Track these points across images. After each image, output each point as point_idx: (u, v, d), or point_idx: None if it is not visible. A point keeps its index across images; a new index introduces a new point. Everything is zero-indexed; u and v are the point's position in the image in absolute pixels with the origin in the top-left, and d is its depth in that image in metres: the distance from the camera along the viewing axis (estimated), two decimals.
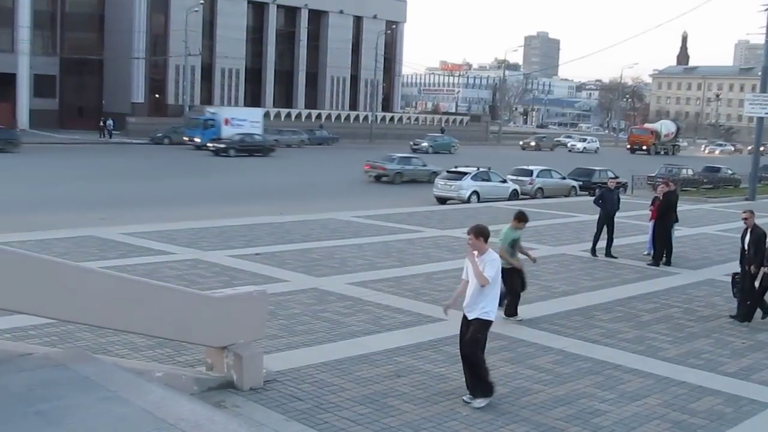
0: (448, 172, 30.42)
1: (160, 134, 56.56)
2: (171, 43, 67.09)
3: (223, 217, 20.85)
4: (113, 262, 13.64)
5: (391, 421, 7.51)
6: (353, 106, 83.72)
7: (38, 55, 63.35)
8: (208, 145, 50.24)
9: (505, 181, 30.35)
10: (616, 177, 28.07)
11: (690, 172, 39.81)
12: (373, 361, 9.26)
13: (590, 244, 17.31)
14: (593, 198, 18.95)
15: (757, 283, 11.92)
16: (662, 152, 78.91)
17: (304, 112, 75.50)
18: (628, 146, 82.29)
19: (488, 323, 8.02)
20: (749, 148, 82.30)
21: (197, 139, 52.99)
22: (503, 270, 11.17)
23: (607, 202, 17.25)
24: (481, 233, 7.96)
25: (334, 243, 17.28)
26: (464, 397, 8.12)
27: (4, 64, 60.08)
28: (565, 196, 31.98)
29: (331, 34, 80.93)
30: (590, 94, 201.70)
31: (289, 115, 73.26)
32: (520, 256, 11.61)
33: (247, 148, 49.92)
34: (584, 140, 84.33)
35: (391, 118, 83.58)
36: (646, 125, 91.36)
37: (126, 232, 17.38)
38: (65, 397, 6.18)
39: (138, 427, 5.77)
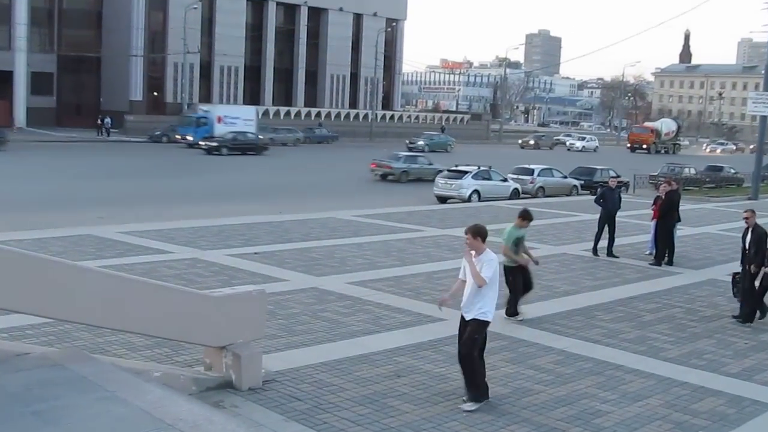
0: (448, 170, 30.37)
1: (158, 132, 56.43)
2: (169, 41, 67.00)
3: (221, 216, 20.79)
4: (111, 261, 13.59)
5: (391, 422, 7.46)
6: (353, 104, 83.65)
7: (35, 52, 63.12)
8: (200, 143, 49.74)
9: (506, 180, 30.29)
10: (618, 176, 28.03)
11: (692, 171, 39.75)
12: (372, 361, 9.21)
13: (592, 244, 17.27)
14: (594, 197, 18.90)
15: (757, 283, 11.89)
16: (662, 151, 78.84)
17: (304, 111, 75.41)
18: (628, 145, 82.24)
19: (485, 324, 7.96)
20: (751, 147, 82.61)
21: (189, 137, 52.57)
22: (507, 268, 11.22)
23: (608, 201, 17.21)
24: (478, 233, 7.90)
25: (333, 242, 17.23)
26: (463, 398, 8.06)
27: (0, 61, 60.02)
28: (567, 195, 31.92)
29: (330, 32, 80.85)
30: (592, 92, 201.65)
31: (288, 113, 73.14)
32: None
33: (240, 146, 49.32)
34: (583, 139, 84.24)
35: (391, 117, 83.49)
36: (647, 124, 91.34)
37: (124, 231, 17.31)
38: (63, 397, 6.15)
39: (136, 428, 5.74)
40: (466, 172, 29.18)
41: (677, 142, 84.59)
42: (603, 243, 17.08)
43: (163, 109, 66.84)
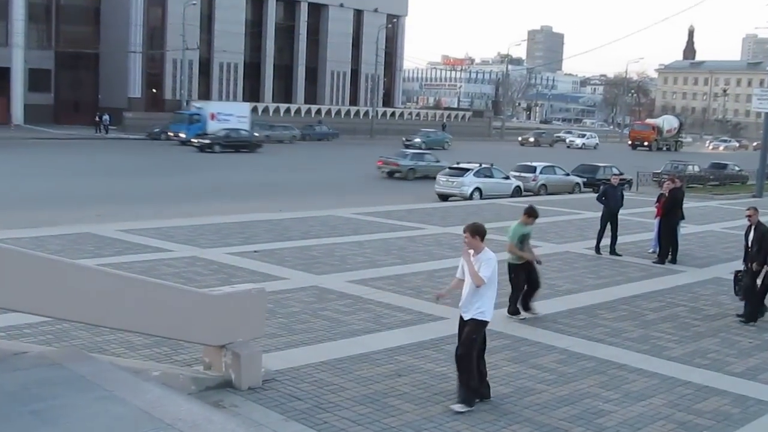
0: (450, 168, 30.29)
1: (157, 129, 56.23)
2: (168, 37, 66.83)
3: (220, 214, 20.73)
4: (109, 260, 13.53)
5: (391, 421, 7.40)
6: (353, 101, 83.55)
7: (33, 48, 62.89)
8: (193, 140, 49.06)
9: (507, 178, 30.21)
10: (621, 173, 27.94)
11: (696, 168, 39.65)
12: (373, 360, 9.15)
13: (594, 242, 17.21)
14: (596, 195, 18.84)
15: (759, 281, 11.83)
16: (664, 148, 78.78)
17: (304, 108, 75.30)
18: (629, 142, 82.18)
19: (484, 324, 7.89)
20: (755, 144, 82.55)
21: (182, 135, 52.02)
22: (511, 266, 11.15)
23: (611, 199, 17.15)
24: (477, 231, 7.82)
25: (333, 240, 17.18)
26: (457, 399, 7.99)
27: None
28: (569, 192, 31.86)
29: (331, 28, 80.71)
30: (595, 89, 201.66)
31: (288, 110, 73.04)
32: None
33: (233, 143, 48.66)
34: (583, 136, 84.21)
35: (392, 114, 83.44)
36: (648, 120, 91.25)
37: (122, 229, 17.25)
38: (61, 397, 6.13)
39: (135, 427, 5.71)
40: (467, 170, 29.10)
41: (679, 139, 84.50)
42: (606, 241, 17.02)
43: (162, 106, 66.68)
